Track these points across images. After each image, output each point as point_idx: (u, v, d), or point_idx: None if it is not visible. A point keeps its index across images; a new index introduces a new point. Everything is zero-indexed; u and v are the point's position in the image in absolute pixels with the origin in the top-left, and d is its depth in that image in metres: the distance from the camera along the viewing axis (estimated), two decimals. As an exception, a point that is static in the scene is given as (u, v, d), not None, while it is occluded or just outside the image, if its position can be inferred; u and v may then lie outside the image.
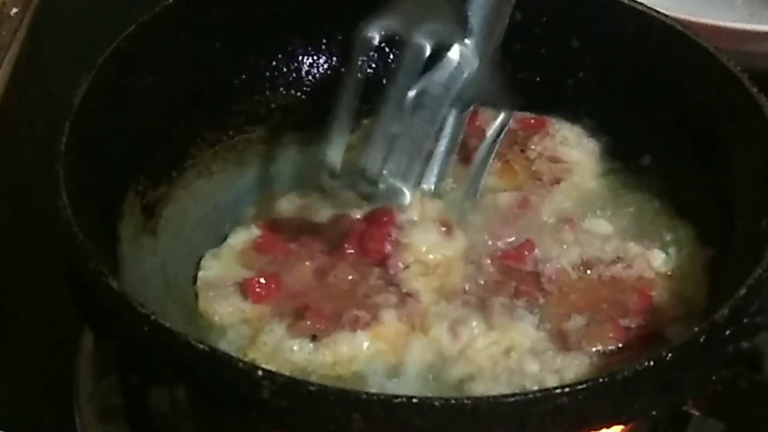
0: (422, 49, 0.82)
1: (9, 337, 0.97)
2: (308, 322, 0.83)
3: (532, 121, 1.00)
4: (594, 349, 0.83)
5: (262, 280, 0.86)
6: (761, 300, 0.76)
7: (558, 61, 1.00)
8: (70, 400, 0.87)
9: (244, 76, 0.98)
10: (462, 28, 0.85)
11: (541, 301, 0.86)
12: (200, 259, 0.90)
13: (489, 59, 0.88)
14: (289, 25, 0.99)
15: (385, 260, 0.87)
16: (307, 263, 0.88)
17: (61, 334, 0.91)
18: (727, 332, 0.74)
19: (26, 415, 0.90)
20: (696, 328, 0.74)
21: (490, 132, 0.91)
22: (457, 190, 0.93)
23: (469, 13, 0.86)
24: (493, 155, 0.92)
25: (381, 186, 0.82)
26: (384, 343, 0.83)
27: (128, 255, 0.84)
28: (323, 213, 0.91)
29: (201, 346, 0.70)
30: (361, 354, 0.82)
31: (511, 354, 0.82)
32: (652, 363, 0.70)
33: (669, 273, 0.89)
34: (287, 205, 0.93)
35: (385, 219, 0.89)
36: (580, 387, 0.69)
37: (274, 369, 0.74)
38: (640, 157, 0.96)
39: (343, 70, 0.97)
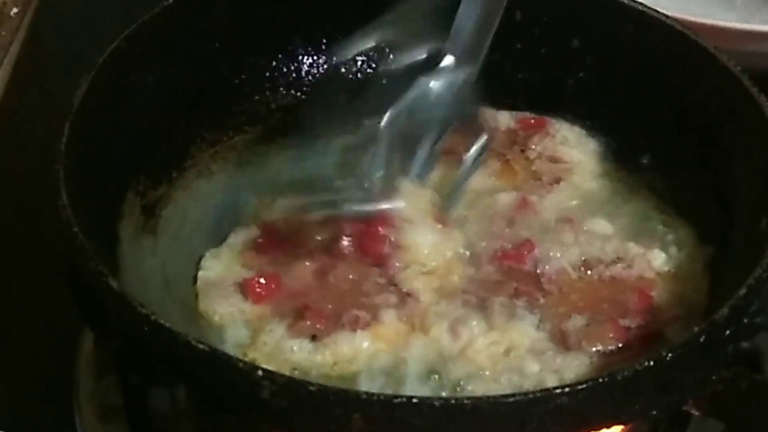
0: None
1: (9, 337, 0.97)
2: (308, 322, 0.83)
3: (532, 121, 1.00)
4: (594, 349, 0.83)
5: (262, 280, 0.86)
6: (761, 300, 0.76)
7: (558, 61, 1.00)
8: (70, 400, 0.87)
9: (244, 76, 0.98)
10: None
11: (541, 301, 0.86)
12: (200, 259, 0.90)
13: (470, 82, 0.91)
14: (289, 25, 0.99)
15: (384, 261, 0.87)
16: (307, 263, 0.88)
17: (61, 334, 0.91)
18: (727, 332, 0.74)
19: (26, 415, 0.90)
20: (696, 328, 0.74)
21: (470, 153, 0.92)
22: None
23: (452, 36, 0.90)
24: (472, 175, 0.92)
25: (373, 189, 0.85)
26: (384, 343, 0.83)
27: (128, 255, 0.84)
28: (318, 212, 0.91)
29: (201, 346, 0.70)
30: (361, 354, 0.82)
31: (511, 354, 0.82)
32: (652, 363, 0.70)
33: (669, 273, 0.89)
34: (287, 205, 0.93)
35: (380, 217, 0.89)
36: (580, 387, 0.69)
37: (274, 369, 0.74)
38: (640, 157, 0.96)
39: (343, 70, 0.97)
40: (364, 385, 0.80)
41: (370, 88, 0.95)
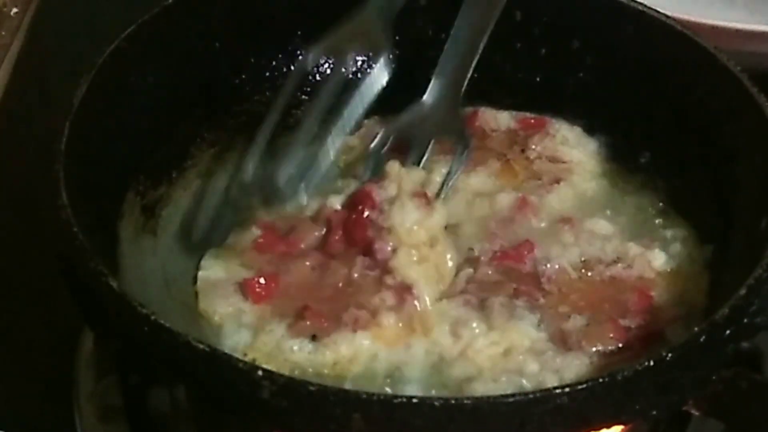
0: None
1: (9, 337, 0.97)
2: (308, 322, 0.83)
3: (532, 121, 1.00)
4: (594, 349, 0.82)
5: (262, 280, 0.86)
6: (761, 300, 0.76)
7: (558, 61, 1.00)
8: (70, 400, 0.87)
9: (244, 76, 0.98)
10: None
11: (541, 301, 0.86)
12: (200, 259, 0.90)
13: (452, 99, 0.95)
14: (289, 25, 0.99)
15: (371, 245, 0.87)
16: (307, 263, 0.88)
17: (61, 334, 0.91)
18: (727, 332, 0.74)
19: (26, 415, 0.90)
20: (696, 328, 0.74)
21: (453, 168, 0.93)
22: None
23: (441, 59, 0.95)
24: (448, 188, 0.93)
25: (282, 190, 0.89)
26: (384, 343, 0.83)
27: (128, 255, 0.84)
28: (310, 208, 0.91)
29: (201, 346, 0.70)
30: (361, 354, 0.82)
31: (511, 354, 0.82)
32: (652, 363, 0.70)
33: (669, 273, 0.88)
34: (287, 205, 0.93)
35: (363, 202, 0.88)
36: (580, 387, 0.69)
37: (274, 369, 0.74)
38: (639, 156, 0.96)
39: (343, 70, 0.97)
40: (364, 386, 0.80)
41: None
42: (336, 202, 0.90)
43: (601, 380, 0.70)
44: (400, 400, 0.69)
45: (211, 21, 0.95)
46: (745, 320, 0.76)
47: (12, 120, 1.14)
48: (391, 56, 0.92)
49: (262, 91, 0.99)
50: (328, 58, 0.97)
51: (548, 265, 0.88)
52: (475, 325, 0.83)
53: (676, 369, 0.72)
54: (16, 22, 1.19)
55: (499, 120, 1.00)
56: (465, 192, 0.94)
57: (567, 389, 0.69)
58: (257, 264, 0.88)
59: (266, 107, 0.98)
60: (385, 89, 0.91)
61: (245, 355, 0.82)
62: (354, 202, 0.89)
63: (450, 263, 0.88)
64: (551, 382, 0.80)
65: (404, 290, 0.85)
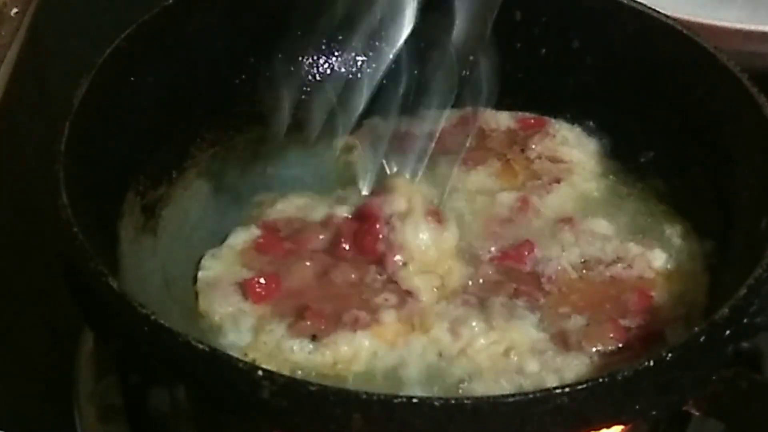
0: None
1: (9, 337, 0.97)
2: (308, 322, 0.83)
3: (532, 121, 1.00)
4: (594, 349, 0.82)
5: (262, 280, 0.86)
6: (761, 300, 0.76)
7: (558, 61, 1.00)
8: (70, 400, 0.87)
9: (244, 76, 0.98)
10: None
11: (541, 301, 0.86)
12: (200, 259, 0.90)
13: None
14: (289, 26, 0.99)
15: (382, 259, 0.87)
16: (307, 263, 0.88)
17: (61, 334, 0.91)
18: (727, 332, 0.74)
19: (26, 415, 0.90)
20: (696, 328, 0.74)
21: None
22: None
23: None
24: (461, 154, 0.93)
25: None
26: (384, 342, 0.83)
27: (128, 255, 0.84)
28: (321, 212, 0.91)
29: (201, 346, 0.70)
30: (361, 354, 0.82)
31: (511, 354, 0.82)
32: (652, 363, 0.70)
33: (669, 273, 0.89)
34: (287, 205, 0.93)
35: (373, 215, 0.89)
36: (580, 387, 0.69)
37: (274, 369, 0.74)
38: (640, 157, 0.96)
39: (343, 70, 0.97)
40: (364, 385, 0.80)
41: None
42: (345, 211, 0.90)
43: (601, 380, 0.70)
44: (400, 400, 0.69)
45: (211, 21, 0.95)
46: (745, 320, 0.76)
47: (12, 120, 1.14)
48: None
49: (261, 91, 0.99)
50: None
51: (548, 265, 0.88)
52: (475, 324, 0.83)
53: (676, 369, 0.72)
54: (16, 22, 1.19)
55: (499, 120, 1.00)
56: (465, 192, 0.94)
57: (567, 389, 0.69)
58: (257, 264, 0.88)
59: (266, 107, 0.98)
60: (383, 90, 0.91)
61: (245, 355, 0.82)
62: (363, 215, 0.89)
63: (456, 277, 0.88)
64: (551, 382, 0.80)
65: (406, 293, 0.85)
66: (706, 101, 0.92)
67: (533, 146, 0.97)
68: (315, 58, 1.01)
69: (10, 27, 1.18)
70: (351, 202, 0.92)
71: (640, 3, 0.96)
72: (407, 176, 0.91)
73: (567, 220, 0.92)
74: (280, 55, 1.00)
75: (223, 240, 0.91)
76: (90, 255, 0.74)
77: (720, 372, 0.75)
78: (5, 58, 1.15)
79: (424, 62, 0.96)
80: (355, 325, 0.83)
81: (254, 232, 0.91)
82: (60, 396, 0.87)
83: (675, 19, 0.95)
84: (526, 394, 0.70)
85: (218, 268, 0.89)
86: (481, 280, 0.87)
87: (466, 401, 0.70)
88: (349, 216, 0.90)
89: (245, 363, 0.71)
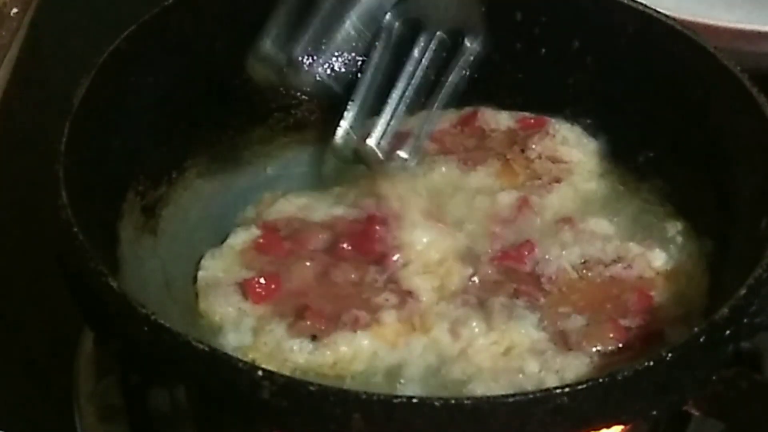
0: None
1: (9, 337, 0.97)
2: (308, 322, 0.83)
3: (532, 121, 1.00)
4: (594, 349, 0.83)
5: (262, 280, 0.86)
6: (761, 300, 0.76)
7: (558, 61, 1.00)
8: (70, 400, 0.87)
9: (244, 76, 0.98)
10: None
11: (542, 301, 0.86)
12: (200, 259, 0.90)
13: None
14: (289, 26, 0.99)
15: (383, 258, 0.87)
16: (308, 263, 0.88)
17: (61, 334, 0.91)
18: (727, 332, 0.74)
19: (26, 415, 0.90)
20: (696, 328, 0.74)
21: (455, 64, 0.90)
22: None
23: None
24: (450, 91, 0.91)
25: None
26: (384, 343, 0.83)
27: (128, 255, 0.84)
28: (321, 213, 0.92)
29: (201, 346, 0.70)
30: (361, 354, 0.82)
31: (511, 354, 0.82)
32: (652, 363, 0.70)
33: (669, 273, 0.89)
34: (287, 205, 0.93)
35: (384, 219, 0.89)
36: (580, 387, 0.69)
37: (274, 369, 0.74)
38: (639, 157, 0.96)
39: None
40: (364, 385, 0.80)
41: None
42: (344, 212, 0.90)
43: (601, 380, 0.70)
44: (400, 400, 0.69)
45: (212, 21, 0.95)
46: (745, 320, 0.76)
47: (12, 120, 1.14)
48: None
49: (261, 92, 0.98)
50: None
51: (548, 265, 0.88)
52: (474, 324, 0.83)
53: (676, 369, 0.72)
54: (16, 22, 1.19)
55: (499, 120, 1.00)
56: (465, 191, 0.94)
57: (567, 389, 0.69)
58: (258, 264, 0.88)
59: (266, 107, 0.98)
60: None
61: (245, 355, 0.82)
62: (375, 219, 0.90)
63: (456, 277, 0.88)
64: (551, 382, 0.80)
65: (406, 293, 0.85)
66: (706, 101, 0.92)
67: (533, 146, 0.97)
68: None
69: (10, 27, 1.18)
70: (349, 201, 0.92)
71: (640, 3, 0.96)
72: (403, 168, 0.91)
73: (567, 220, 0.92)
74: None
75: (223, 240, 0.91)
76: (90, 255, 0.74)
77: (720, 372, 0.75)
78: (5, 58, 1.15)
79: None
80: (355, 325, 0.83)
81: (254, 232, 0.91)
82: (60, 396, 0.87)
83: (675, 19, 0.95)
84: (526, 394, 0.70)
85: (218, 268, 0.89)
86: (481, 281, 0.87)
87: (466, 401, 0.70)
88: (349, 216, 0.90)
89: (245, 363, 0.71)
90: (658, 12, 0.95)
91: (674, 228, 0.92)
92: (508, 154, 0.97)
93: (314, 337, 0.82)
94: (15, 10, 1.19)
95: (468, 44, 0.90)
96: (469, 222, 0.91)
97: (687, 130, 0.93)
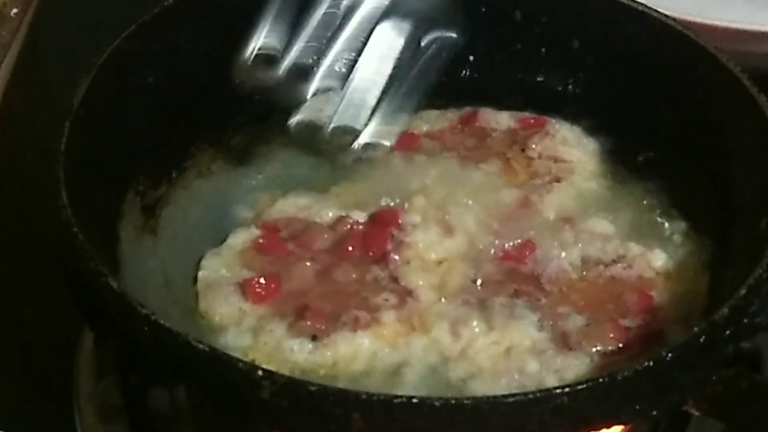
0: None
1: (9, 337, 0.97)
2: (308, 322, 0.83)
3: (532, 120, 1.00)
4: (594, 349, 0.83)
5: (262, 280, 0.86)
6: (761, 300, 0.76)
7: (558, 61, 1.00)
8: (70, 400, 0.87)
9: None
10: None
11: (542, 301, 0.86)
12: (200, 259, 0.90)
13: None
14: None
15: (384, 258, 0.87)
16: (308, 263, 0.88)
17: (61, 334, 0.91)
18: (727, 332, 0.74)
19: (26, 415, 0.90)
20: (696, 328, 0.74)
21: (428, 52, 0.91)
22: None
23: None
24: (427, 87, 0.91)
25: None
26: (384, 343, 0.83)
27: (128, 255, 0.84)
28: (325, 213, 0.92)
29: (201, 346, 0.70)
30: (361, 354, 0.82)
31: (511, 354, 0.82)
32: (652, 363, 0.70)
33: (669, 273, 0.89)
34: (287, 205, 0.93)
35: (390, 219, 0.89)
36: (580, 387, 0.69)
37: (274, 369, 0.74)
38: (639, 156, 0.96)
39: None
40: (364, 385, 0.80)
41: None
42: (360, 216, 0.90)
43: (601, 380, 0.70)
44: (400, 400, 0.69)
45: (212, 21, 0.95)
46: (745, 320, 0.76)
47: (12, 120, 1.14)
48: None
49: (261, 91, 0.98)
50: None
51: (549, 265, 0.88)
52: (475, 324, 0.83)
53: (676, 369, 0.72)
54: (16, 23, 1.19)
55: (499, 120, 1.00)
56: (466, 191, 0.94)
57: (567, 389, 0.69)
58: (258, 264, 0.88)
59: (266, 107, 0.98)
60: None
61: (245, 355, 0.82)
62: (380, 219, 0.90)
63: (456, 277, 0.88)
64: (551, 382, 0.80)
65: (406, 293, 0.85)
66: (706, 101, 0.92)
67: (533, 146, 0.97)
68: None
69: (10, 27, 1.18)
70: (350, 202, 0.92)
71: (640, 3, 0.96)
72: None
73: (567, 220, 0.92)
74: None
75: (223, 240, 0.91)
76: (90, 255, 0.74)
77: (720, 372, 0.75)
78: (5, 58, 1.15)
79: (425, 62, 0.96)
80: (355, 325, 0.83)
81: (254, 232, 0.91)
82: (60, 396, 0.87)
83: (675, 19, 0.95)
84: (526, 394, 0.70)
85: (218, 268, 0.89)
86: (481, 280, 0.87)
87: (466, 401, 0.70)
88: (350, 216, 0.90)
89: (245, 363, 0.71)
90: (658, 12, 0.95)
91: (674, 228, 0.92)
92: (508, 154, 0.97)
93: (314, 337, 0.82)
94: (15, 10, 1.19)
95: (443, 41, 0.90)
96: (470, 222, 0.91)
97: (687, 130, 0.93)
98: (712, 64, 0.90)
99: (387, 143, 0.91)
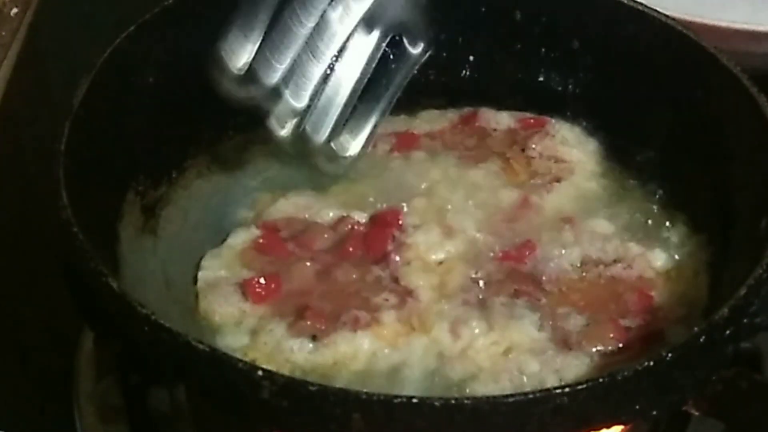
0: None
1: (9, 337, 0.97)
2: (308, 322, 0.83)
3: (532, 120, 1.00)
4: (594, 349, 0.82)
5: (262, 280, 0.86)
6: (761, 300, 0.76)
7: (558, 61, 1.00)
8: (70, 400, 0.87)
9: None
10: None
11: (542, 301, 0.86)
12: (200, 259, 0.90)
13: None
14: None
15: (384, 258, 0.87)
16: (308, 263, 0.88)
17: (61, 334, 0.91)
18: (727, 332, 0.74)
19: (26, 415, 0.90)
20: (696, 328, 0.74)
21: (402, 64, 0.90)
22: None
23: None
24: (394, 96, 0.90)
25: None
26: (384, 343, 0.83)
27: (128, 255, 0.84)
28: (325, 213, 0.92)
29: (201, 346, 0.70)
30: (361, 354, 0.82)
31: (511, 354, 0.82)
32: (652, 363, 0.70)
33: (669, 273, 0.89)
34: (287, 205, 0.93)
35: (390, 220, 0.89)
36: (580, 387, 0.69)
37: (274, 369, 0.74)
38: (639, 156, 0.96)
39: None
40: (364, 385, 0.80)
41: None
42: (361, 216, 0.90)
43: (601, 380, 0.70)
44: (400, 400, 0.69)
45: (211, 21, 0.95)
46: (745, 320, 0.76)
47: (12, 120, 1.14)
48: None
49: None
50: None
51: (549, 265, 0.88)
52: (475, 324, 0.83)
53: (676, 369, 0.72)
54: (16, 22, 1.19)
55: (499, 120, 1.00)
56: (466, 191, 0.94)
57: (567, 389, 0.69)
58: (258, 264, 0.88)
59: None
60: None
61: (245, 355, 0.82)
62: (380, 221, 0.90)
63: (456, 277, 0.88)
64: (551, 382, 0.80)
65: (406, 293, 0.85)
66: (706, 101, 0.92)
67: (533, 146, 0.97)
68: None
69: (10, 27, 1.18)
70: (350, 202, 0.92)
71: (640, 3, 0.96)
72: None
73: (567, 220, 0.92)
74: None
75: (223, 240, 0.91)
76: (90, 255, 0.74)
77: (720, 372, 0.75)
78: (5, 58, 1.15)
79: (424, 62, 0.96)
80: (355, 325, 0.83)
81: (254, 232, 0.91)
82: (60, 396, 0.87)
83: (675, 19, 0.95)
84: (526, 394, 0.70)
85: (218, 268, 0.89)
86: (481, 280, 0.87)
87: (466, 401, 0.70)
88: (350, 217, 0.90)
89: (245, 363, 0.71)
90: (658, 12, 0.95)
91: (674, 228, 0.92)
92: (508, 154, 0.97)
93: (314, 337, 0.82)
94: (15, 10, 1.19)
95: (411, 49, 0.90)
96: (470, 221, 0.91)
97: (687, 130, 0.93)
98: (712, 64, 0.90)
99: (349, 154, 0.90)
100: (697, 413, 0.78)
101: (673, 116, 0.94)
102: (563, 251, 0.89)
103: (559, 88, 1.00)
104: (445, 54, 1.00)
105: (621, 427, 0.77)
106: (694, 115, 0.93)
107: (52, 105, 1.09)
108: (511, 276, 0.88)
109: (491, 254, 0.89)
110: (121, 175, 0.88)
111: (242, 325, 0.85)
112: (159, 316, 0.71)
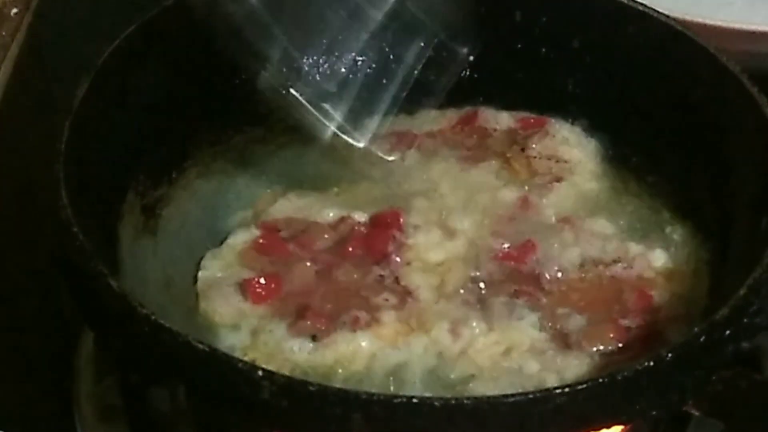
0: None
1: (9, 337, 0.97)
2: (308, 322, 0.83)
3: (532, 120, 1.00)
4: (594, 349, 0.83)
5: (262, 281, 0.86)
6: (761, 300, 0.76)
7: (558, 61, 1.00)
8: (70, 400, 0.87)
9: (244, 76, 0.98)
10: None
11: (542, 301, 0.86)
12: (200, 259, 0.90)
13: None
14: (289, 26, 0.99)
15: (385, 258, 0.87)
16: (308, 263, 0.88)
17: (61, 334, 0.91)
18: (727, 332, 0.74)
19: (26, 415, 0.90)
20: (696, 328, 0.74)
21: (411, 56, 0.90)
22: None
23: None
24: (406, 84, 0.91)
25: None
26: (384, 343, 0.83)
27: (128, 255, 0.84)
28: (326, 213, 0.92)
29: (201, 346, 0.70)
30: (361, 354, 0.82)
31: (511, 354, 0.82)
32: (652, 363, 0.70)
33: (669, 273, 0.89)
34: (287, 205, 0.93)
35: (391, 221, 0.89)
36: (580, 387, 0.69)
37: (274, 369, 0.74)
38: (639, 156, 0.96)
39: (343, 70, 0.97)
40: (364, 385, 0.80)
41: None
42: (361, 217, 0.90)
43: (601, 380, 0.70)
44: (400, 400, 0.69)
45: (211, 21, 0.95)
46: (745, 320, 0.76)
47: (12, 120, 1.14)
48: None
49: (261, 91, 0.98)
50: None
51: (549, 265, 0.88)
52: (475, 324, 0.83)
53: (676, 369, 0.72)
54: (16, 22, 1.19)
55: (499, 120, 1.00)
56: (466, 191, 0.94)
57: (567, 389, 0.69)
58: (258, 264, 0.88)
59: (266, 107, 0.98)
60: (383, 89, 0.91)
61: (245, 355, 0.82)
62: (381, 222, 0.90)
63: (456, 277, 0.88)
64: (551, 382, 0.80)
65: (406, 293, 0.85)
66: (706, 101, 0.92)
67: (533, 146, 0.97)
68: (315, 58, 1.01)
69: (10, 27, 1.18)
70: (350, 202, 0.92)
71: (641, 3, 0.96)
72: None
73: (567, 220, 0.92)
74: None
75: (223, 240, 0.91)
76: (90, 255, 0.74)
77: (720, 372, 0.75)
78: (5, 58, 1.15)
79: (424, 61, 0.96)
80: (355, 325, 0.83)
81: (254, 232, 0.91)
82: (60, 396, 0.87)
83: (675, 19, 0.95)
84: (526, 394, 0.70)
85: (218, 268, 0.89)
86: (481, 280, 0.88)
87: (466, 401, 0.70)
88: (351, 217, 0.90)
89: (245, 363, 0.71)
90: (658, 12, 0.95)
91: (674, 228, 0.92)
92: (508, 154, 0.97)
93: (314, 337, 0.83)
94: (15, 10, 1.19)
95: (458, 49, 0.90)
96: (470, 221, 0.91)
97: (687, 131, 0.93)
98: (712, 64, 0.90)
99: (360, 144, 0.90)
100: (697, 413, 0.78)
101: (673, 116, 0.94)
102: (563, 251, 0.89)
103: (559, 88, 1.00)
104: (445, 54, 1.00)
105: (621, 427, 0.77)
106: (693, 115, 0.93)
107: (52, 105, 1.09)
108: (511, 276, 0.88)
109: (491, 254, 0.89)
110: (121, 175, 0.88)
111: (242, 325, 0.85)
112: (159, 316, 0.71)
